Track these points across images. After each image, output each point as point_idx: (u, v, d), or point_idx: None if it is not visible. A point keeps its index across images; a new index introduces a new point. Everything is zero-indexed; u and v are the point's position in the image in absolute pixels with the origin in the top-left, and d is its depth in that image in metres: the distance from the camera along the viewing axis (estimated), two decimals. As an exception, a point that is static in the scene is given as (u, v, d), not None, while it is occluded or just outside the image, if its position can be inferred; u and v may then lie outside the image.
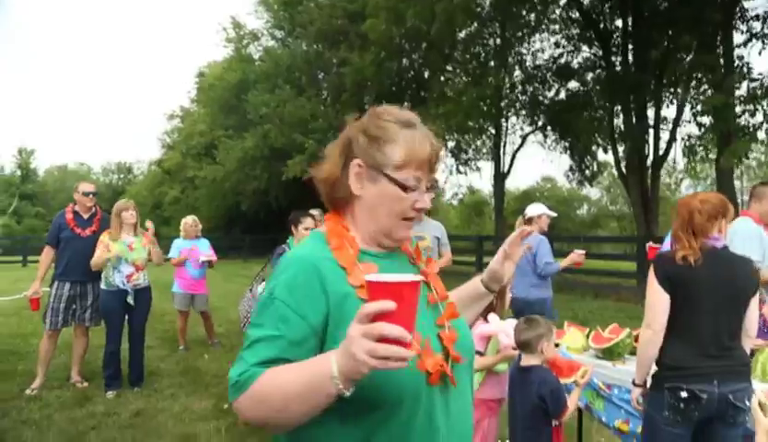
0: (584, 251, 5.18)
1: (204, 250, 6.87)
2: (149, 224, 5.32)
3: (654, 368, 2.45)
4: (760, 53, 17.44)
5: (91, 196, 5.30)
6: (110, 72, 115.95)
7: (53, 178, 61.76)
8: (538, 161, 53.41)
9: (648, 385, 2.48)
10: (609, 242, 31.51)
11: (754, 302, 2.34)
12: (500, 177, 20.77)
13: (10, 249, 27.15)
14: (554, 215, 5.47)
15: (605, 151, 18.32)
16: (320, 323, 1.03)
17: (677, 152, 23.53)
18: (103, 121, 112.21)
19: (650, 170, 15.13)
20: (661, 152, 15.30)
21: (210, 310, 7.17)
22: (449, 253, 5.15)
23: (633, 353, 3.33)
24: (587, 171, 20.45)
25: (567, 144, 19.77)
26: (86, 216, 5.27)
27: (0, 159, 67.03)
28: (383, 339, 0.83)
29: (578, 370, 2.87)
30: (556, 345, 3.71)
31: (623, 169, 15.71)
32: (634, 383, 2.56)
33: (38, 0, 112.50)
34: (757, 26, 12.49)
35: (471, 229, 40.20)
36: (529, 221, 5.34)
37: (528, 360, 2.76)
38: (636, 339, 3.37)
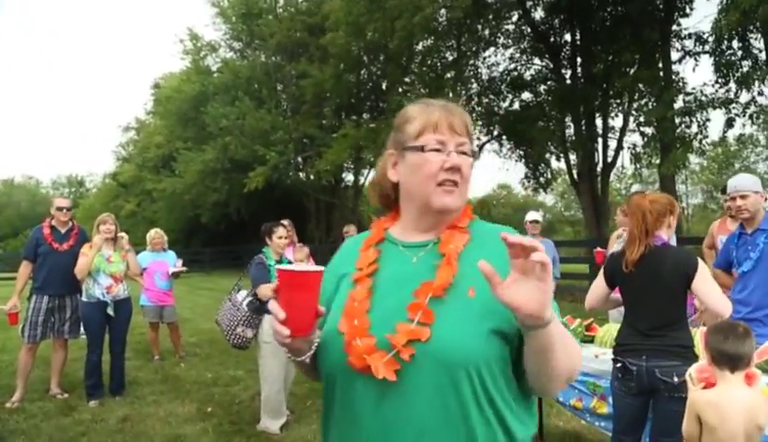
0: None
1: (171, 262, 7.03)
2: (123, 235, 5.49)
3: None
4: (693, 70, 19.00)
5: (65, 211, 5.41)
6: (60, 81, 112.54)
7: (-1, 193, 59.34)
8: (494, 170, 54.87)
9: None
10: (563, 246, 32.62)
11: (699, 283, 2.50)
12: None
13: (-43, 266, 26.12)
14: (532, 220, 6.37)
15: (558, 159, 19.10)
16: (326, 298, 1.17)
17: (624, 159, 24.91)
18: (52, 132, 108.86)
19: (600, 177, 15.99)
20: (609, 159, 16.18)
21: (178, 322, 7.26)
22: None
23: (583, 340, 3.75)
24: (541, 178, 21.21)
25: (522, 152, 20.48)
26: (63, 231, 5.38)
27: (-59, 174, 63.77)
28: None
29: None
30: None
31: (575, 176, 16.50)
32: None
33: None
34: (689, 44, 13.64)
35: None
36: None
37: None
38: (587, 328, 3.82)
